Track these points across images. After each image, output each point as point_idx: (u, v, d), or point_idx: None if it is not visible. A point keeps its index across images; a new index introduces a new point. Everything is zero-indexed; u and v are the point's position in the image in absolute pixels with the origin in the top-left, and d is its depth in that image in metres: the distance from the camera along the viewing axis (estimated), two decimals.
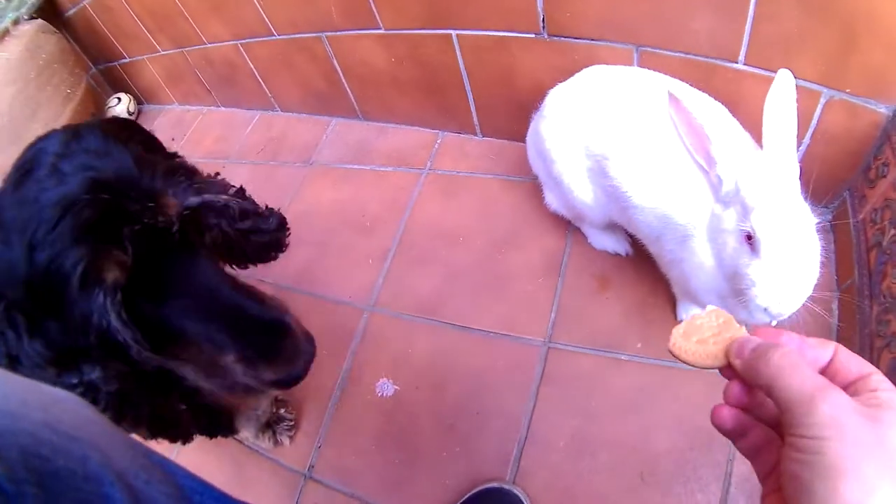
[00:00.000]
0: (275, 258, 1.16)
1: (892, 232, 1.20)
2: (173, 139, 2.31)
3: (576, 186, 1.26)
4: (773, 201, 0.88)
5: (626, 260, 1.44)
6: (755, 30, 1.22)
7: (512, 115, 1.54)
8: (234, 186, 1.05)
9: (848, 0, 1.11)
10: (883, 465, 0.37)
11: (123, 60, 2.52)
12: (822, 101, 1.29)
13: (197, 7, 1.93)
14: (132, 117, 2.59)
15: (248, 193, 1.08)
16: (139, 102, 2.69)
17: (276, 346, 0.77)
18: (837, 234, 1.50)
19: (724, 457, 1.20)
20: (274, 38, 1.85)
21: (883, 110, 1.25)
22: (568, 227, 1.52)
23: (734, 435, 0.52)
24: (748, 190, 0.89)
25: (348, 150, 1.92)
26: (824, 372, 0.46)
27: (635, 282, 1.40)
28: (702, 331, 0.54)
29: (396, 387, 1.41)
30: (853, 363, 0.46)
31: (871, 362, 1.13)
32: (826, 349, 0.48)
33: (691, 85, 1.19)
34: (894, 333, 1.09)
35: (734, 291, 0.95)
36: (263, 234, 1.06)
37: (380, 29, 1.61)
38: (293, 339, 0.79)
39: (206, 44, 2.09)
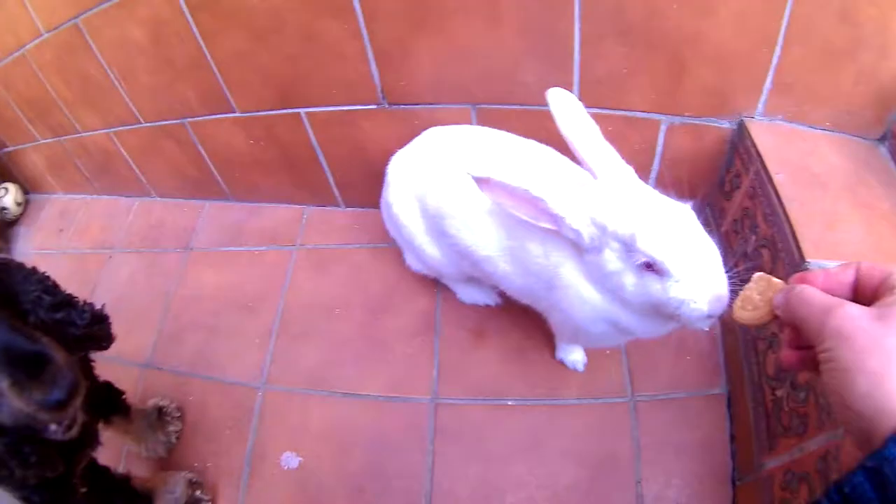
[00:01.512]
0: (105, 348, 1.16)
1: (754, 238, 1.24)
2: (61, 230, 2.21)
3: (427, 247, 1.26)
4: (648, 216, 0.80)
5: (497, 309, 1.45)
6: (584, 72, 1.25)
7: (369, 183, 1.53)
8: (48, 278, 1.08)
9: (670, 30, 1.14)
10: (885, 360, 0.42)
11: (7, 149, 2.40)
12: (663, 128, 1.33)
13: (70, 97, 1.86)
14: (20, 208, 2.47)
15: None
16: (26, 192, 2.56)
17: (40, 372, 0.86)
18: None
19: (632, 478, 1.23)
20: (142, 125, 1.80)
21: (726, 125, 1.30)
22: (436, 286, 1.53)
23: (803, 370, 0.56)
24: (616, 222, 0.81)
25: (224, 233, 1.88)
26: (854, 288, 0.52)
27: (509, 329, 1.42)
28: (752, 299, 0.62)
29: (300, 458, 1.38)
30: (875, 271, 0.51)
31: (756, 365, 1.13)
32: (848, 270, 0.53)
33: (526, 135, 1.19)
34: (774, 334, 1.13)
35: (664, 317, 0.86)
36: (76, 327, 1.07)
37: (235, 113, 1.58)
38: (54, 367, 0.88)
39: (81, 133, 2.01)
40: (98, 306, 1.15)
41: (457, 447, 1.31)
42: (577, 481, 1.24)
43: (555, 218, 0.85)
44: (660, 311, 0.83)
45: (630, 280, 0.84)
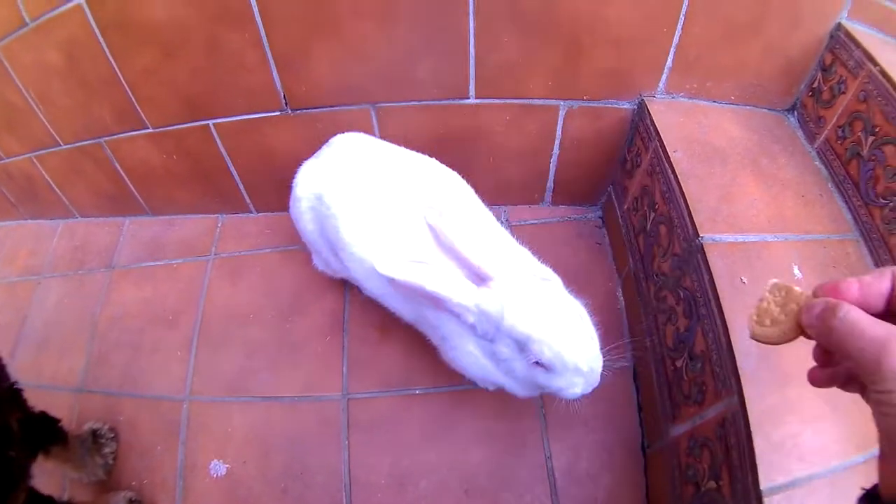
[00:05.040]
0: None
1: (653, 215, 1.41)
2: None
3: (333, 261, 1.44)
4: (539, 322, 0.95)
5: None
6: (479, 64, 1.42)
7: (278, 188, 1.71)
8: None
9: (566, 15, 1.30)
10: None
11: None
12: (562, 112, 1.51)
13: None
14: None
15: None
16: None
17: None
18: (608, 227, 1.74)
19: (541, 455, 1.42)
20: (61, 147, 1.99)
21: (625, 106, 1.48)
22: (344, 284, 1.73)
23: (834, 385, 0.56)
24: (510, 324, 0.96)
25: (144, 248, 2.09)
26: (891, 298, 0.51)
27: None
28: (770, 312, 0.60)
29: (227, 465, 1.57)
30: None
31: (657, 336, 1.31)
32: (884, 278, 0.51)
33: (426, 130, 1.41)
34: (672, 308, 1.29)
35: (544, 393, 1.08)
36: None
37: (148, 128, 1.78)
38: None
39: (3, 159, 2.21)
40: None
41: (370, 439, 1.51)
42: (487, 460, 1.44)
43: (453, 312, 1.00)
44: (541, 388, 1.05)
45: (519, 367, 1.02)
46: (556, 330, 0.95)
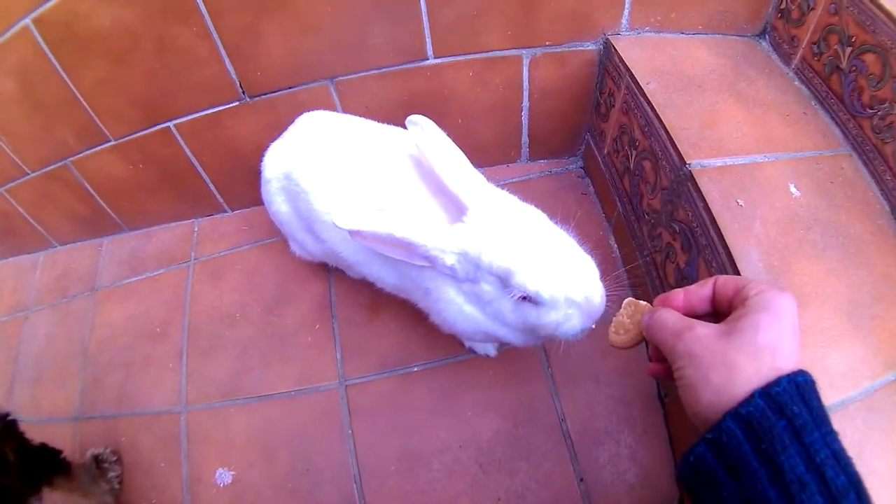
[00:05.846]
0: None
1: (635, 153, 1.38)
2: None
3: (308, 242, 1.40)
4: (520, 251, 0.89)
5: None
6: (433, 23, 1.39)
7: (248, 182, 1.66)
8: None
9: None
10: (726, 373, 0.56)
11: None
12: (526, 61, 1.48)
13: None
14: None
15: None
16: None
17: None
18: (591, 175, 1.70)
19: (554, 418, 1.37)
20: (29, 176, 1.96)
21: (591, 47, 1.45)
22: (328, 268, 1.69)
23: (667, 379, 0.68)
24: (489, 259, 0.91)
25: (124, 265, 2.05)
26: (712, 301, 0.67)
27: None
28: (623, 323, 0.77)
29: (233, 472, 1.53)
30: (730, 284, 0.65)
31: (659, 279, 1.26)
32: (706, 286, 0.67)
33: (388, 97, 1.38)
34: (669, 244, 1.26)
35: (542, 337, 1.01)
36: None
37: (111, 140, 1.75)
38: None
39: None
40: None
41: (374, 424, 1.47)
42: (498, 432, 1.39)
43: (427, 258, 0.95)
44: (536, 332, 0.97)
45: (507, 307, 0.96)
46: (538, 259, 0.89)
